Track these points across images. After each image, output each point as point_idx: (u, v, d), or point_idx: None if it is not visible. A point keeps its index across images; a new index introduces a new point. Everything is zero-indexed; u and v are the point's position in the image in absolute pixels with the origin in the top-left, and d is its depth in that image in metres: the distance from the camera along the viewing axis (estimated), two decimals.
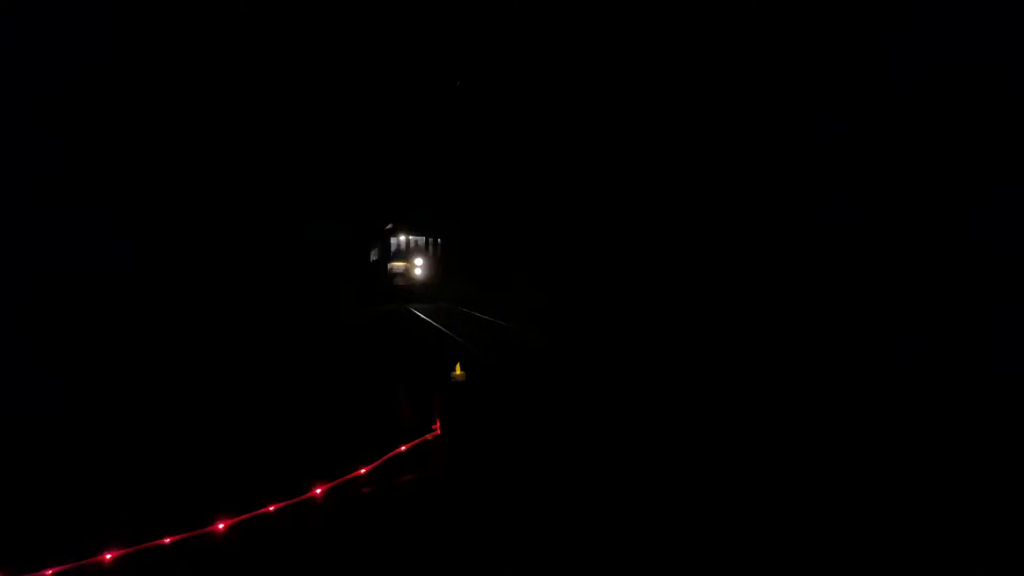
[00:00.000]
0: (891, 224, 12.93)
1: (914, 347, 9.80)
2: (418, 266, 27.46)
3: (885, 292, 12.15)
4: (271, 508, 4.68)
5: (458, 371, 6.49)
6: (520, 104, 26.06)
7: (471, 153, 30.30)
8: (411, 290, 26.63)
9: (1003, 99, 11.80)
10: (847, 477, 5.28)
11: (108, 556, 3.91)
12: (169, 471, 5.59)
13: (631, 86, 20.47)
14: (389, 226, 28.19)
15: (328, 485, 5.09)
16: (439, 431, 6.23)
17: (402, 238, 27.79)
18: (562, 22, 22.20)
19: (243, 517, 4.50)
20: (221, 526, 4.36)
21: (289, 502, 4.79)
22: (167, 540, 4.10)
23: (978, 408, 7.09)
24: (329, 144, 29.66)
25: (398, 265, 27.31)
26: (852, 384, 8.47)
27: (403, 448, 5.85)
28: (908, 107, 13.17)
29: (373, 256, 31.45)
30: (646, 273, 18.48)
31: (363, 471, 5.39)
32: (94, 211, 17.09)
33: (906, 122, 13.22)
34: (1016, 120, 11.65)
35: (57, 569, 3.79)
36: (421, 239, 27.94)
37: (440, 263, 28.22)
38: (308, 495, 4.94)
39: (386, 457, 5.65)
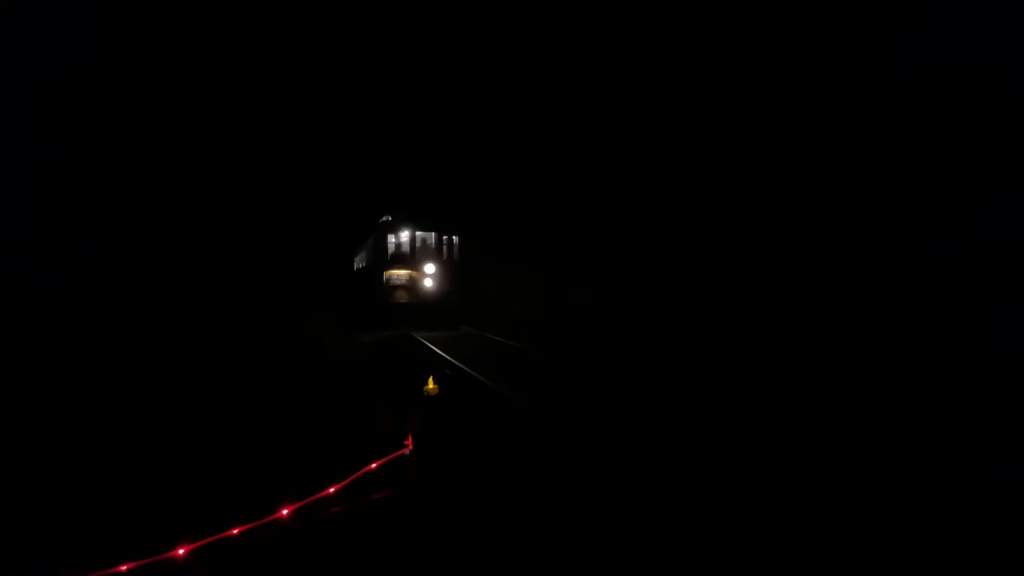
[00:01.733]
0: (891, 224, 12.81)
1: (914, 347, 9.72)
2: (428, 275, 20.09)
3: (885, 292, 12.04)
4: (235, 531, 4.69)
5: (431, 384, 6.46)
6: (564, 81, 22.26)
7: (505, 114, 22.47)
8: (419, 308, 19.28)
9: (1003, 99, 11.64)
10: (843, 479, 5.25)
11: None
12: (132, 493, 5.62)
13: (654, 91, 19.96)
14: (385, 218, 21.05)
15: (295, 505, 5.09)
16: (411, 446, 6.21)
17: (404, 235, 20.48)
18: (571, 25, 21.89)
19: (206, 541, 4.51)
20: (181, 551, 4.38)
21: (254, 524, 4.80)
22: (123, 567, 4.12)
23: (977, 407, 7.03)
24: (302, 103, 24.74)
25: (399, 274, 20.18)
26: (853, 384, 8.41)
27: (374, 465, 5.83)
28: (908, 107, 13.03)
29: (359, 262, 23.86)
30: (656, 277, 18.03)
31: (332, 490, 5.39)
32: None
33: (906, 122, 13.07)
34: (1016, 120, 11.49)
35: None
36: (430, 236, 20.67)
37: (459, 270, 20.92)
38: (274, 516, 4.95)
39: (356, 475, 5.65)
